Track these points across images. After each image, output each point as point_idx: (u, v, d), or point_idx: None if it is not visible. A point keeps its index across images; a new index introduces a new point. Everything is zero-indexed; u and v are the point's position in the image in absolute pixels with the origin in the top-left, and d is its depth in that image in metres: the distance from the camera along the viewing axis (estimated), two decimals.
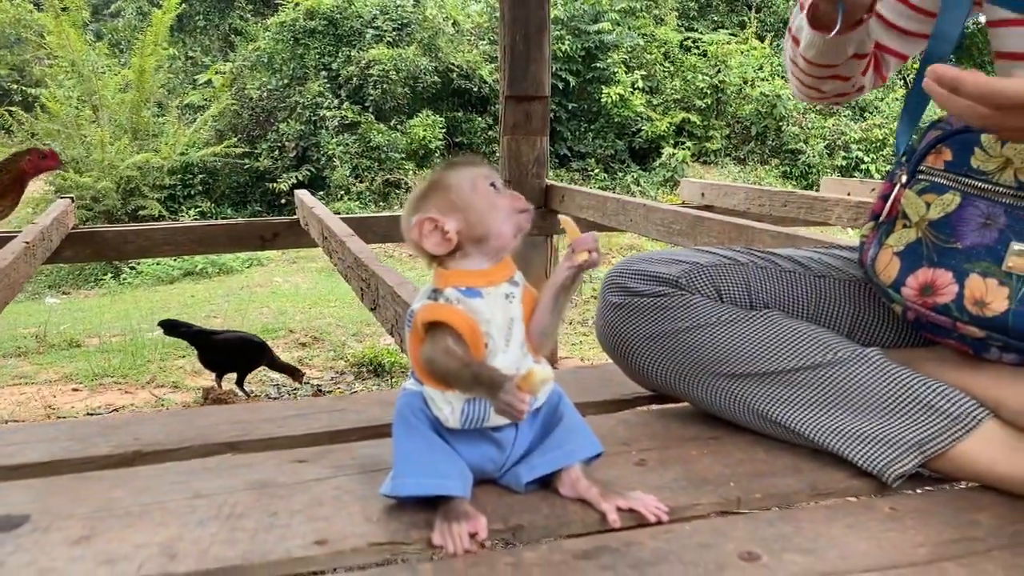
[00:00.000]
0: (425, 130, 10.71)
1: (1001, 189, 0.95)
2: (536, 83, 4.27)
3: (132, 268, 8.91)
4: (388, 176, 10.40)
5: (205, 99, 11.04)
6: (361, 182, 10.38)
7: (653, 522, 0.87)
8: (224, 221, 4.42)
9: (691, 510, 0.92)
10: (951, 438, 0.94)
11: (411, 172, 10.47)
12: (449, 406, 0.88)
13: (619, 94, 12.14)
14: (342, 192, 10.21)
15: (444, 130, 10.98)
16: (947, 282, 0.96)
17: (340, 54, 11.15)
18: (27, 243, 2.75)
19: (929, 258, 0.98)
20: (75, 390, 4.78)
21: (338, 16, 11.29)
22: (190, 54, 12.33)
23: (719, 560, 0.80)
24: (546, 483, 0.94)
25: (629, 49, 12.60)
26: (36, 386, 4.80)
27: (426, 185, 0.91)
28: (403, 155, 10.62)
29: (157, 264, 8.84)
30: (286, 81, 11.08)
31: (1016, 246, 0.92)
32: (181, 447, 1.09)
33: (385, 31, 11.24)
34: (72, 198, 3.83)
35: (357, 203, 9.99)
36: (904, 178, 1.04)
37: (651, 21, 13.48)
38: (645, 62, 12.82)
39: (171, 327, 4.26)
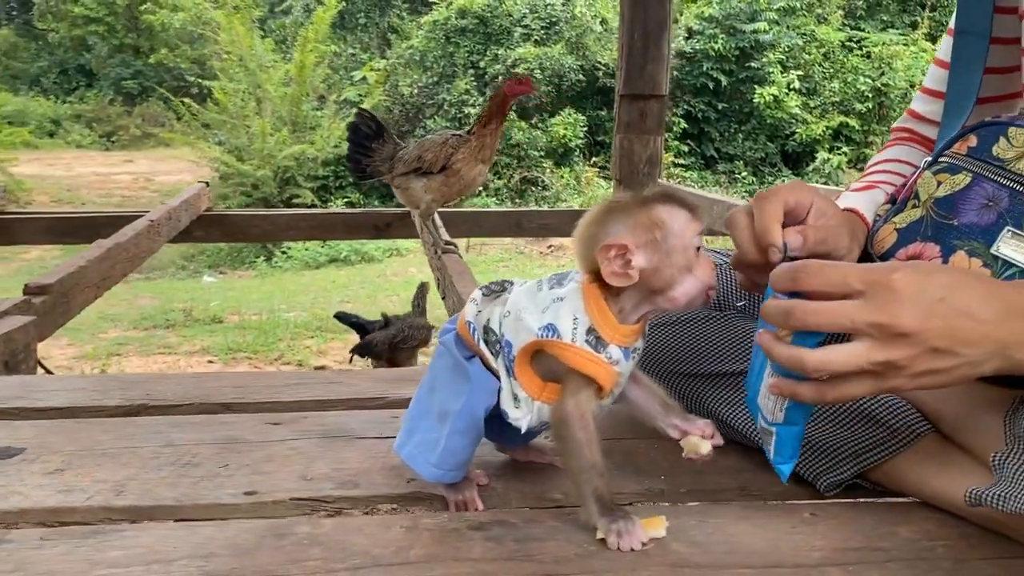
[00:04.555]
0: (566, 128, 10.79)
1: (1012, 175, 0.92)
2: (653, 82, 4.25)
3: (283, 252, 9.47)
4: (526, 173, 10.56)
5: (360, 95, 11.56)
6: (499, 178, 10.59)
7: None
8: (342, 210, 4.66)
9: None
10: (888, 451, 0.92)
11: (548, 170, 10.58)
12: (530, 415, 0.85)
13: (773, 95, 11.78)
14: (480, 188, 10.46)
15: (585, 128, 11.03)
16: (933, 255, 0.93)
17: (488, 52, 11.41)
18: (151, 221, 3.03)
19: (924, 233, 0.96)
20: (210, 362, 5.17)
21: (488, 15, 11.55)
22: (351, 50, 12.93)
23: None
24: None
25: (786, 49, 12.20)
26: (177, 356, 5.22)
27: (633, 204, 0.81)
28: (542, 153, 10.75)
29: (306, 250, 9.37)
30: (436, 79, 11.45)
31: (1010, 231, 0.90)
32: (182, 404, 1.21)
33: (534, 29, 11.41)
34: (207, 183, 4.15)
35: (494, 199, 10.20)
36: (928, 160, 1.02)
37: (813, 20, 13.00)
38: (803, 62, 12.38)
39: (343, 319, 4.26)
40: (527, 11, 11.62)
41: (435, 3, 12.01)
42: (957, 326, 0.72)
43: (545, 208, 8.30)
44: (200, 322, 6.11)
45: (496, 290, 0.89)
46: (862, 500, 0.94)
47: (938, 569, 0.79)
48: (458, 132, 2.78)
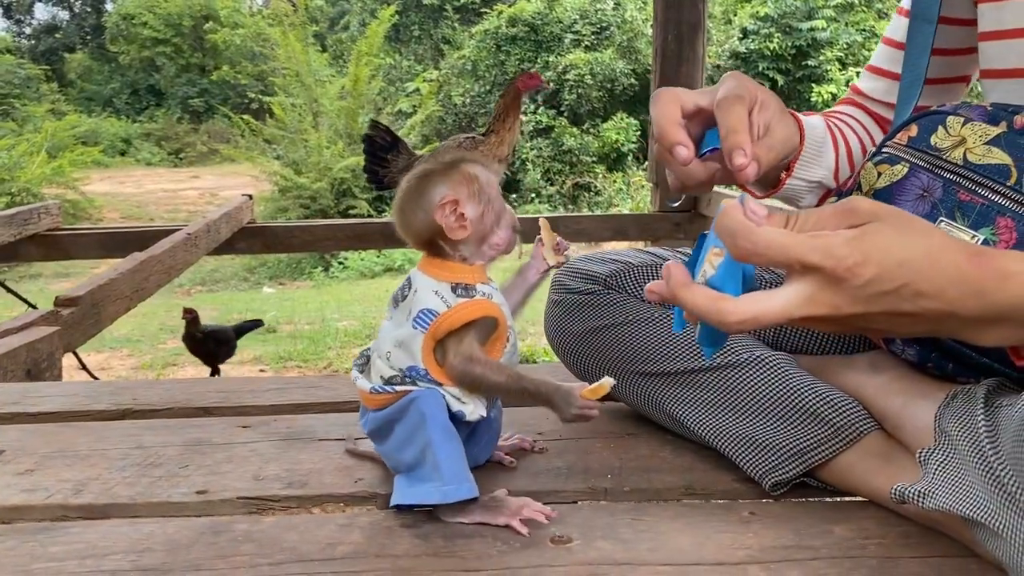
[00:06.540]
0: (618, 133, 10.77)
1: (946, 165, 0.91)
2: (688, 83, 4.20)
3: (340, 263, 9.65)
4: (578, 179, 10.56)
5: (413, 106, 11.72)
6: (552, 185, 10.62)
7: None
8: (378, 220, 4.73)
9: (552, 496, 0.94)
10: (832, 449, 0.90)
11: (600, 175, 10.57)
12: (472, 403, 0.88)
13: (831, 93, 11.58)
14: (532, 195, 10.50)
15: (638, 132, 10.97)
16: None
17: (539, 59, 11.46)
18: (189, 234, 3.12)
19: None
20: (261, 371, 5.29)
21: (539, 22, 11.61)
22: (405, 62, 13.12)
23: (530, 540, 0.83)
24: None
25: (845, 46, 11.98)
26: (229, 365, 5.35)
27: (444, 167, 0.88)
28: (594, 158, 10.74)
29: (361, 260, 9.53)
30: (487, 87, 11.54)
31: (943, 223, 0.88)
32: (164, 408, 1.25)
33: (584, 35, 11.42)
34: (250, 196, 4.25)
35: (547, 205, 10.23)
36: (872, 151, 1.01)
37: (872, 15, 12.72)
38: (863, 59, 12.11)
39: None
40: (577, 17, 11.63)
41: (486, 12, 12.11)
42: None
43: (584, 213, 8.30)
44: (254, 331, 6.26)
45: (362, 362, 0.95)
46: (808, 499, 0.93)
47: (862, 568, 0.78)
48: (469, 135, 2.80)
